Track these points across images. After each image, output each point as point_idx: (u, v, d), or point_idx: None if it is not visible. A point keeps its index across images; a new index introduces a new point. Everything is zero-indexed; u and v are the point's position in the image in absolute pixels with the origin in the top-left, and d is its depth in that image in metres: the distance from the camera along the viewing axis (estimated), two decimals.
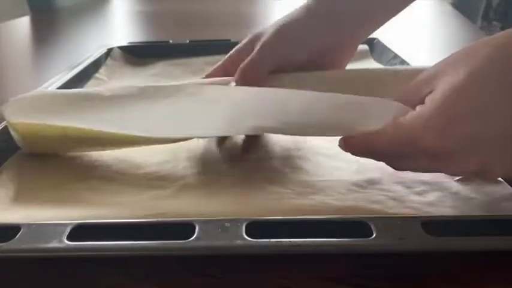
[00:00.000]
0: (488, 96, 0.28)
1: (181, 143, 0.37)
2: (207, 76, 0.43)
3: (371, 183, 0.33)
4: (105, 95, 0.38)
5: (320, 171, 0.36)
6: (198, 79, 0.43)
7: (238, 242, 0.26)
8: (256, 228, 0.26)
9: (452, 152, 0.28)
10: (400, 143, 0.29)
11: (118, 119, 0.36)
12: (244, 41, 0.43)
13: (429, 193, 0.32)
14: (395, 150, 0.30)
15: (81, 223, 0.27)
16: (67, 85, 0.52)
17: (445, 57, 0.31)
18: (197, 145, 0.40)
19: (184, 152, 0.39)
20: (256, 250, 0.26)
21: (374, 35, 0.66)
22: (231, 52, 0.43)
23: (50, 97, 0.38)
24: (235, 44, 0.44)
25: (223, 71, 0.42)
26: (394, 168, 0.32)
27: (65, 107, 0.37)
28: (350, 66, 0.62)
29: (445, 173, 0.32)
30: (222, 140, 0.41)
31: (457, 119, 0.28)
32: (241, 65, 0.40)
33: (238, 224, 0.26)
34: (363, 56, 0.65)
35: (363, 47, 0.66)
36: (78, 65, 0.58)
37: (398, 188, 0.33)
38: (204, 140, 0.41)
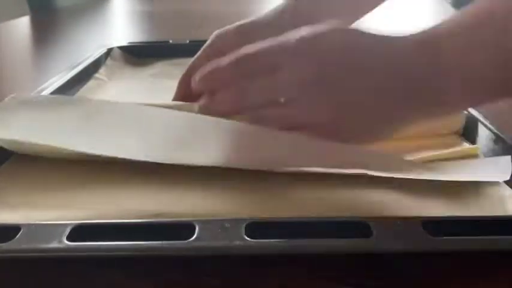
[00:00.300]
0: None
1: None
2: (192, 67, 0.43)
3: (371, 183, 0.33)
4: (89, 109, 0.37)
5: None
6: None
7: (238, 242, 0.26)
8: (256, 228, 0.26)
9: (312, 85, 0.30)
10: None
11: (100, 139, 0.36)
12: (229, 33, 0.42)
13: (429, 193, 0.32)
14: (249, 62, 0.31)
15: (81, 223, 0.27)
16: (67, 85, 0.52)
17: None
18: None
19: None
20: (256, 250, 0.26)
21: None
22: (211, 44, 0.43)
23: (29, 106, 0.38)
24: None
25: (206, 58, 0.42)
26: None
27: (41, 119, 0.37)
28: None
29: (295, 119, 0.32)
30: None
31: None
32: None
33: (238, 224, 0.26)
34: None
35: None
36: (78, 65, 0.58)
37: (399, 188, 0.33)
38: None
